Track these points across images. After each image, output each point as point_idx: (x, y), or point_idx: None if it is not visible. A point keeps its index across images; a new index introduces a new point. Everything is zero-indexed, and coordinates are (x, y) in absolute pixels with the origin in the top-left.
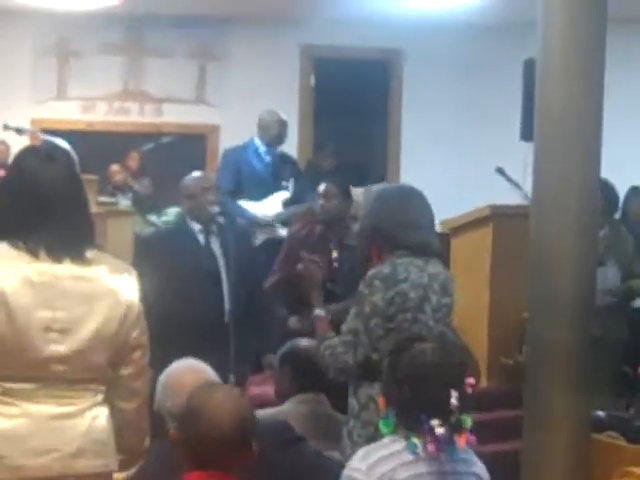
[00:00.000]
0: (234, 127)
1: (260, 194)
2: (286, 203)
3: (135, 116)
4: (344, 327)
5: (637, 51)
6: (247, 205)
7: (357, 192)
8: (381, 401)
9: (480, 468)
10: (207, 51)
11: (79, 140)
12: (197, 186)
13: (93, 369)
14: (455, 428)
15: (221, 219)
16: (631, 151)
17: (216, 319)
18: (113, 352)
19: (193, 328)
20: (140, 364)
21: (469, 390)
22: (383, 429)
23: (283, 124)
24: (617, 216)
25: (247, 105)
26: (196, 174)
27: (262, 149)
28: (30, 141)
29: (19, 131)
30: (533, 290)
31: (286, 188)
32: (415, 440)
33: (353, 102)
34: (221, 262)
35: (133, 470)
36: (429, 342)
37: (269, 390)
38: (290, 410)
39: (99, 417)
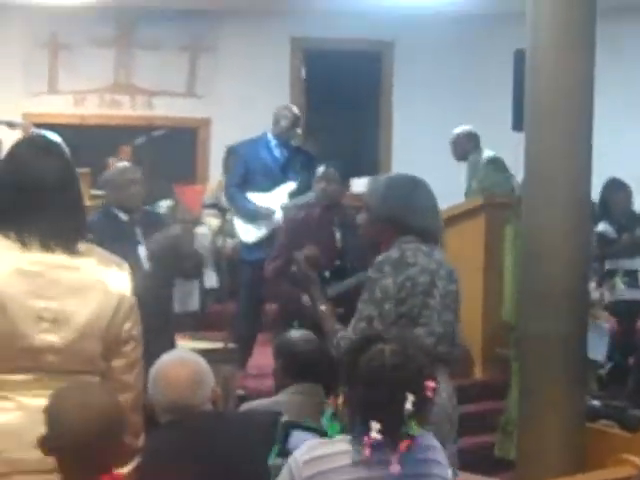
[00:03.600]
0: (225, 120)
1: (268, 186)
2: (292, 194)
3: (126, 109)
4: (356, 316)
5: (627, 41)
6: (254, 197)
7: (355, 183)
8: (340, 400)
9: (440, 466)
10: (198, 44)
11: (71, 133)
12: (123, 178)
13: (86, 360)
14: (402, 434)
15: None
16: (620, 141)
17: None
18: (105, 344)
19: None
20: (132, 357)
21: (430, 394)
22: (329, 431)
23: (294, 118)
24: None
25: (238, 98)
26: (121, 165)
27: (273, 142)
28: (22, 135)
29: (11, 125)
30: (525, 281)
31: (294, 180)
32: (359, 447)
33: (344, 94)
34: (143, 251)
35: (128, 468)
36: (389, 343)
37: (265, 383)
38: (285, 400)
39: None
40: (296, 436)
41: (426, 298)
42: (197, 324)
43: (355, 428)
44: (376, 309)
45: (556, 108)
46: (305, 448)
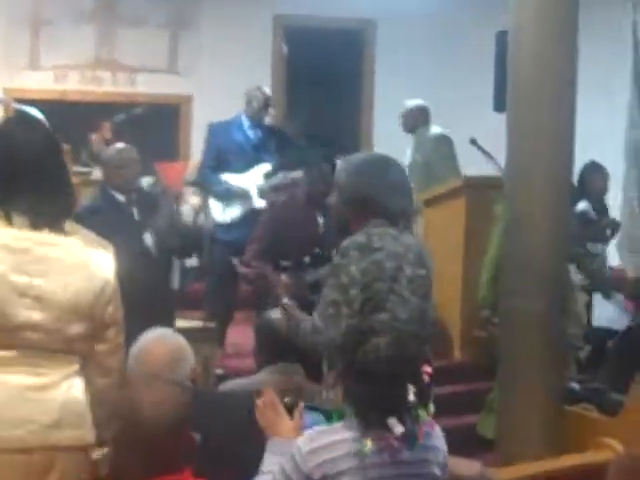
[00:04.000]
0: (207, 97)
1: (242, 167)
2: (267, 175)
3: (108, 85)
4: (320, 302)
5: (611, 26)
6: (228, 177)
7: None
8: (339, 394)
9: (438, 452)
10: (179, 20)
11: (52, 109)
12: (122, 158)
13: (67, 340)
14: (413, 423)
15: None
16: (601, 124)
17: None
18: (88, 325)
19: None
20: (115, 342)
21: (426, 379)
22: (334, 418)
23: (266, 98)
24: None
25: (220, 75)
26: (120, 146)
27: (246, 123)
28: (3, 110)
29: None
30: (506, 258)
31: (269, 161)
32: (367, 442)
33: (326, 72)
34: (149, 238)
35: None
36: (383, 335)
37: (244, 362)
38: (264, 379)
39: (74, 387)
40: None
41: (392, 283)
42: (177, 303)
43: (366, 424)
44: (341, 294)
45: (538, 86)
46: (307, 438)
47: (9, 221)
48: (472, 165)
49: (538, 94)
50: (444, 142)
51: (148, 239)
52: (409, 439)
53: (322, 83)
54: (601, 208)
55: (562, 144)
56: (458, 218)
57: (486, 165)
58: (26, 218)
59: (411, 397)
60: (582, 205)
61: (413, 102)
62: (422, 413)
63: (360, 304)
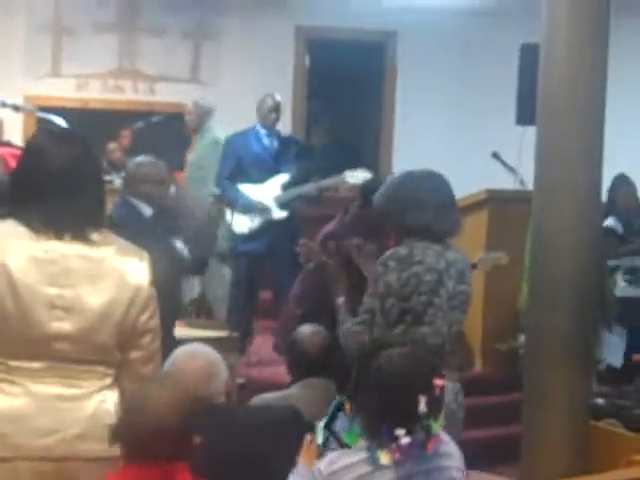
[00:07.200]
0: (228, 107)
1: (260, 177)
2: (285, 186)
3: (129, 94)
4: (361, 308)
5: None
6: (246, 188)
7: (350, 175)
8: (348, 406)
9: (453, 457)
10: (201, 30)
11: (73, 117)
12: (165, 173)
13: (99, 350)
14: (423, 435)
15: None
16: (630, 138)
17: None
18: (121, 334)
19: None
20: (150, 349)
21: (437, 392)
22: (346, 440)
23: (274, 104)
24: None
25: (241, 85)
26: (154, 160)
27: (262, 132)
28: (26, 118)
29: (15, 108)
30: (534, 274)
31: (287, 171)
32: (378, 452)
33: (347, 84)
34: (179, 243)
35: None
36: (397, 348)
37: (265, 371)
38: (296, 394)
39: (106, 401)
40: (342, 418)
41: (432, 297)
42: (197, 311)
43: (376, 435)
44: (378, 303)
45: (569, 104)
46: (328, 461)
47: (37, 233)
48: (494, 179)
49: (569, 107)
50: (218, 148)
51: (179, 245)
52: (418, 449)
53: (343, 94)
54: (631, 225)
55: (592, 157)
56: (480, 231)
57: (507, 179)
58: (52, 230)
59: (422, 408)
60: (609, 221)
61: (200, 102)
62: (434, 424)
63: (398, 315)
